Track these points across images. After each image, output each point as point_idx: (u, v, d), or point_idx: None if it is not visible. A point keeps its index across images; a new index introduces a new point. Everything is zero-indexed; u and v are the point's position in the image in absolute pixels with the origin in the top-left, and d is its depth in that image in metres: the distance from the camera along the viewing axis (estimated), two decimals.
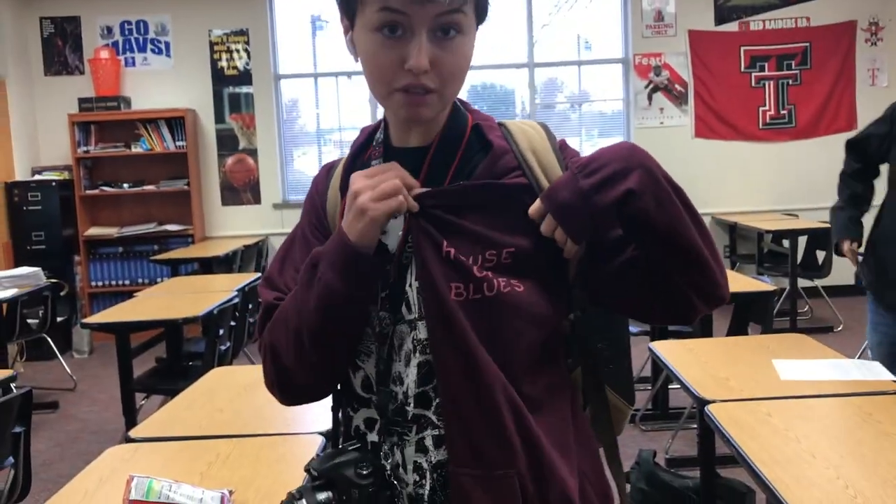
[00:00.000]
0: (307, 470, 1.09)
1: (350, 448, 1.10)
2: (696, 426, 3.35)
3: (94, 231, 6.82)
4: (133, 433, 2.15)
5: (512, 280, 1.06)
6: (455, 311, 1.04)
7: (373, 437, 1.13)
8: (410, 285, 1.08)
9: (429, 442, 1.08)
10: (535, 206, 1.06)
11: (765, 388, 2.24)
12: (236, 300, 4.17)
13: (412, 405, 1.09)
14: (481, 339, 1.04)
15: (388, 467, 1.10)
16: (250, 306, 4.49)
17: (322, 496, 1.05)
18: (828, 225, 6.00)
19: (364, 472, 1.06)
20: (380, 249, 1.07)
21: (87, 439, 4.45)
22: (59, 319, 5.49)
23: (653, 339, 3.56)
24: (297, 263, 1.15)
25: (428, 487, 1.08)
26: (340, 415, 1.20)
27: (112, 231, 6.82)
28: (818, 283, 6.34)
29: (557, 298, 1.10)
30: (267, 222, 7.04)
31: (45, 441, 4.40)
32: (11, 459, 2.63)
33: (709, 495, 2.79)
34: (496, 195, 1.09)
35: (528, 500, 1.05)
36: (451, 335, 1.04)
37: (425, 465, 1.09)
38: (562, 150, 1.14)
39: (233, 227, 7.05)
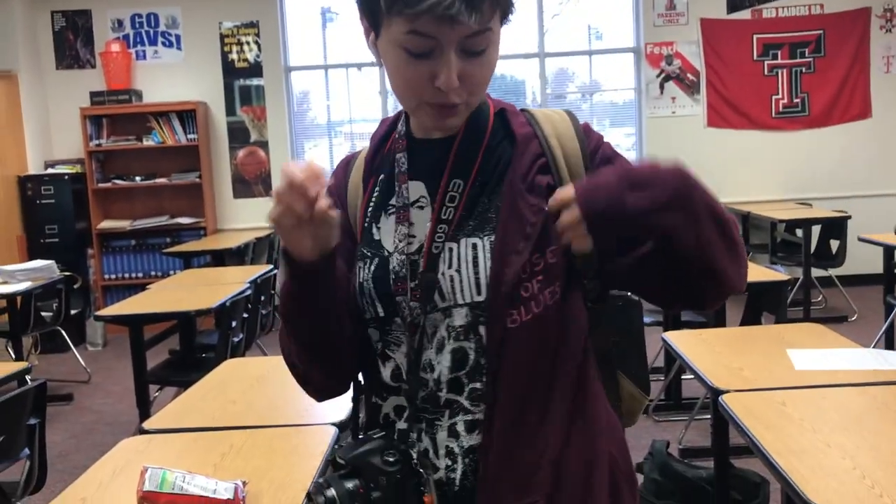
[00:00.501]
0: (333, 461, 1.10)
1: (375, 436, 1.10)
2: (709, 416, 3.34)
3: (106, 224, 6.85)
4: (147, 425, 2.16)
5: (550, 287, 1.07)
6: (511, 338, 1.06)
7: (401, 424, 1.13)
8: (443, 273, 1.08)
9: (461, 427, 1.09)
10: (564, 198, 0.99)
11: (779, 378, 2.22)
12: (249, 292, 4.18)
13: (445, 391, 1.09)
14: (533, 356, 1.07)
15: (416, 455, 1.11)
16: (263, 298, 4.50)
17: (349, 484, 1.05)
18: (842, 214, 6.00)
19: (391, 460, 1.07)
20: (323, 258, 1.04)
21: (102, 431, 4.47)
22: (72, 312, 5.53)
23: (666, 329, 3.54)
24: None
25: (459, 472, 1.09)
26: (365, 404, 1.20)
27: (125, 224, 6.85)
28: (832, 272, 6.30)
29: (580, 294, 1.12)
30: None
31: (61, 433, 4.43)
32: (27, 451, 2.64)
33: (723, 485, 2.78)
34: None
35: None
36: (505, 360, 1.06)
37: (457, 450, 1.09)
38: (586, 133, 1.14)
39: (244, 219, 7.06)
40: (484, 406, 1.08)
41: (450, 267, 1.08)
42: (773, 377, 2.24)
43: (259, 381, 2.48)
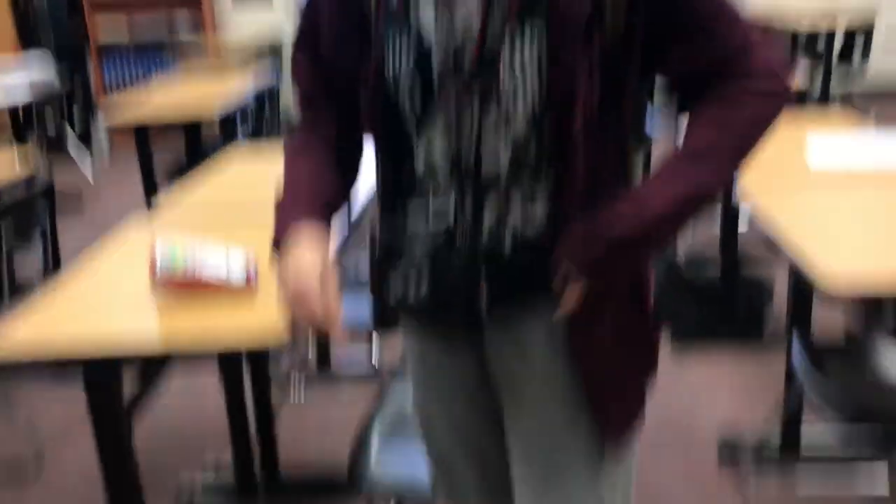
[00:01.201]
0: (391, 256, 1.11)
1: (436, 230, 1.10)
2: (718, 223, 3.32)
3: (104, 36, 6.65)
4: (154, 202, 2.20)
5: (596, 77, 1.01)
6: (572, 133, 1.02)
7: (438, 192, 1.10)
8: (502, 78, 1.01)
9: (517, 209, 1.07)
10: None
11: (797, 172, 2.17)
12: (252, 100, 4.12)
13: (505, 174, 1.06)
14: (589, 151, 1.05)
15: (467, 233, 1.09)
16: (267, 106, 4.45)
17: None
18: (868, 12, 5.70)
19: (460, 263, 1.09)
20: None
21: (113, 230, 4.51)
22: (76, 124, 5.49)
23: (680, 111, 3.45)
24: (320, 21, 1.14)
25: (509, 247, 1.08)
26: (388, 171, 1.15)
27: (122, 38, 6.64)
28: (853, 88, 6.12)
29: None
30: (281, 19, 6.81)
31: (70, 231, 4.46)
32: (41, 247, 2.71)
33: (729, 288, 2.81)
34: None
35: None
36: (567, 156, 1.03)
37: (509, 231, 1.07)
38: None
39: (245, 28, 6.85)
40: (544, 190, 1.06)
41: (511, 67, 1.00)
42: (791, 172, 2.18)
43: (265, 162, 2.50)
